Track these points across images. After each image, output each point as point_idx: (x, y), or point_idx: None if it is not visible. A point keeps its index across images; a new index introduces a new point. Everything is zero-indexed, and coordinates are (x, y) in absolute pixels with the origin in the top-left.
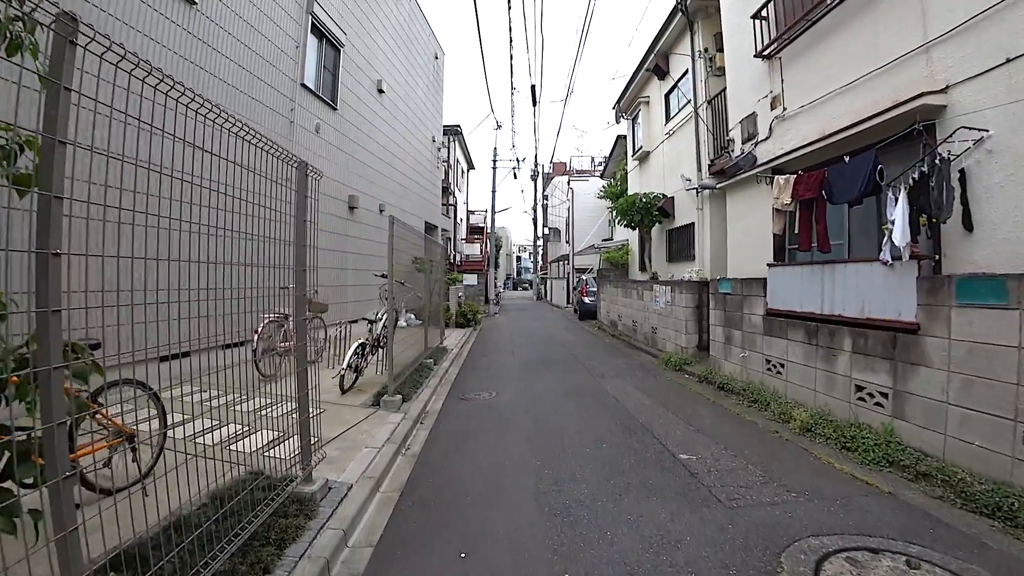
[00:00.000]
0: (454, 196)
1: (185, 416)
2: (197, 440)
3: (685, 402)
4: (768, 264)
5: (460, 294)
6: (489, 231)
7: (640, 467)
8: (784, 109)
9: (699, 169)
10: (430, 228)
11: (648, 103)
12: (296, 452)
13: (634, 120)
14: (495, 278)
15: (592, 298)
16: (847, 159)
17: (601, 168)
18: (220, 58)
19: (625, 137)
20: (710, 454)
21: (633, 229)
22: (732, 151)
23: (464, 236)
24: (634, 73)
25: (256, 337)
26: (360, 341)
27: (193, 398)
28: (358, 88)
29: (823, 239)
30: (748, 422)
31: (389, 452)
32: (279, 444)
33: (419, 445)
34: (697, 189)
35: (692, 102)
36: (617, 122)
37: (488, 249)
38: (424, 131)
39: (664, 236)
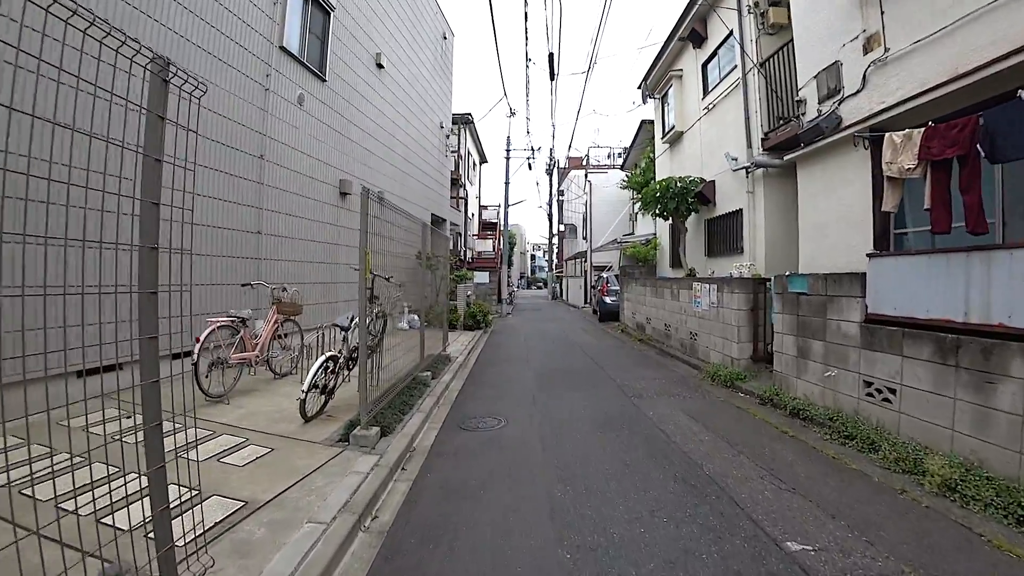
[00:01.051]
0: (465, 189)
1: None
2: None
3: (756, 437)
4: (868, 254)
5: (469, 293)
6: (502, 226)
7: (732, 572)
8: (886, 51)
9: (749, 145)
10: (437, 221)
11: (681, 77)
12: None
13: (663, 99)
14: (508, 276)
15: (614, 298)
16: None
17: (621, 159)
18: (170, 3)
19: (650, 122)
20: (831, 539)
21: (665, 219)
22: (802, 115)
23: (476, 232)
24: (665, 43)
25: (198, 347)
26: (330, 354)
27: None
28: (352, 60)
29: (975, 214)
30: (854, 472)
31: (342, 531)
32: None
33: (391, 512)
34: (747, 169)
35: (740, 67)
36: (644, 102)
37: (501, 246)
38: (431, 116)
39: (702, 227)
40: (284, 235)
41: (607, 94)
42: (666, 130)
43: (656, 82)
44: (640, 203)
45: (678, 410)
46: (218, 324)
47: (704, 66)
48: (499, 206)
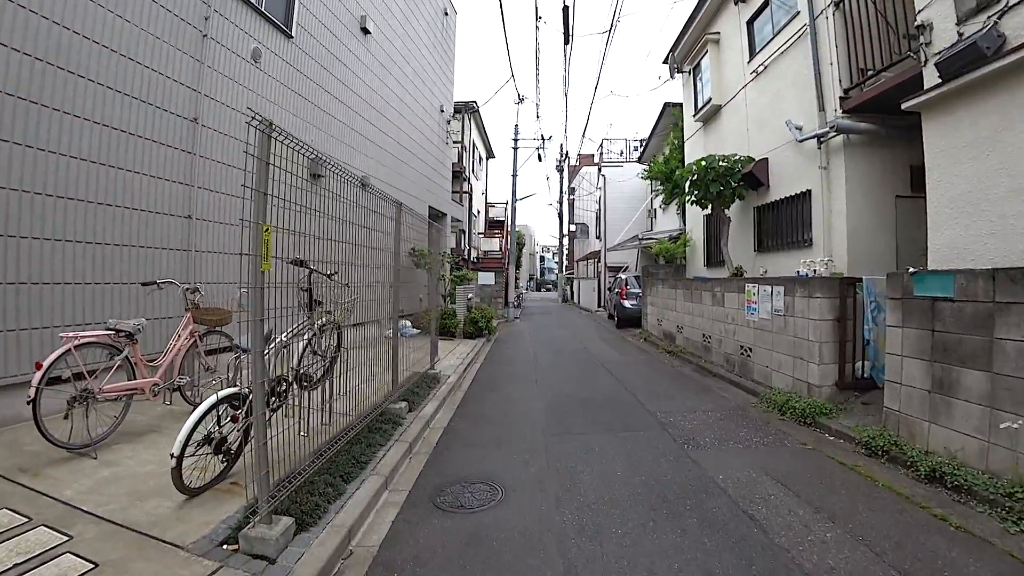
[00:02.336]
0: (469, 183)
1: None
2: None
3: (900, 527)
4: None
5: (471, 296)
6: (509, 223)
7: None
8: None
9: (821, 108)
10: (436, 216)
11: (718, 41)
12: None
13: (695, 71)
14: (516, 278)
15: (634, 302)
16: None
17: (637, 153)
18: None
19: (675, 104)
20: None
21: (703, 208)
22: (925, 45)
23: (482, 230)
24: (698, 4)
25: (39, 376)
26: (227, 391)
27: None
28: (329, 18)
29: None
30: None
31: None
32: None
33: None
34: (820, 138)
35: (807, 9)
36: (672, 76)
37: (508, 245)
38: (430, 98)
39: (751, 216)
40: (231, 222)
41: (626, 74)
42: (699, 106)
43: (687, 51)
44: (663, 195)
45: (758, 470)
46: (80, 342)
47: (750, 23)
48: (506, 204)
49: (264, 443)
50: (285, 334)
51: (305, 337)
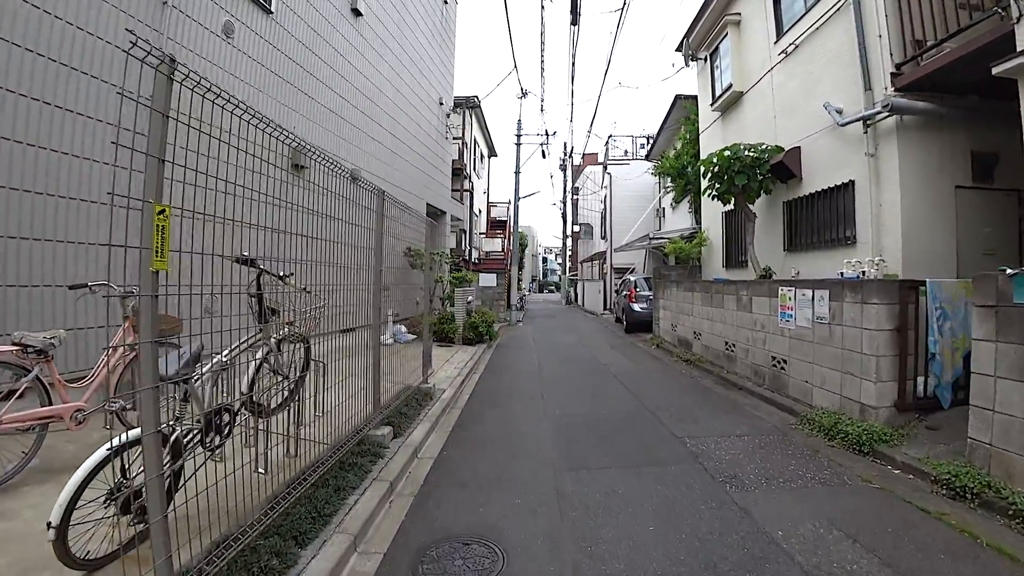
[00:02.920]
0: (470, 181)
1: None
2: None
3: None
4: None
5: (471, 299)
6: (512, 222)
7: None
8: None
9: (867, 88)
10: (435, 214)
11: (739, 23)
12: None
13: (712, 56)
14: (519, 279)
15: (644, 305)
16: None
17: (644, 151)
18: None
19: (687, 97)
20: None
21: (726, 203)
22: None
23: (484, 231)
24: None
25: None
26: (130, 435)
27: None
28: None
29: None
30: None
31: None
32: None
33: None
34: (867, 121)
35: None
36: (686, 64)
37: (510, 245)
38: (428, 89)
39: (780, 212)
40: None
41: (634, 66)
42: (717, 95)
43: (703, 36)
44: (674, 192)
45: (824, 522)
46: None
47: (777, 0)
48: (509, 203)
49: (163, 516)
50: (227, 352)
51: (259, 355)
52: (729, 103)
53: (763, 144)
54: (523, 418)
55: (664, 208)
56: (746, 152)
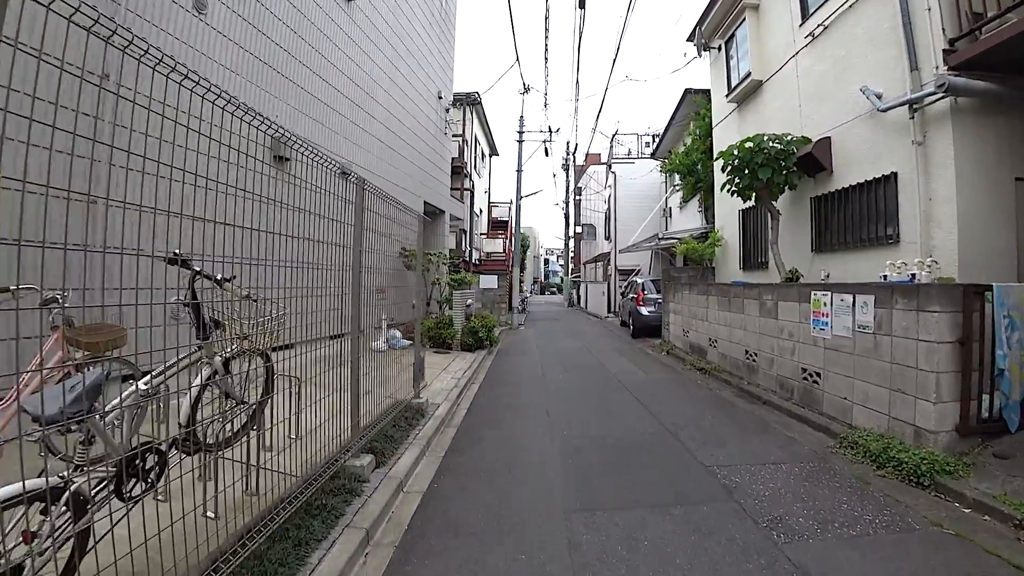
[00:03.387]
0: (471, 180)
1: None
2: None
3: None
4: None
5: (470, 302)
6: (513, 222)
7: None
8: None
9: (914, 67)
10: (433, 212)
11: (757, 7)
12: None
13: (727, 45)
14: (521, 280)
15: (652, 308)
16: None
17: (650, 149)
18: None
19: (697, 91)
20: None
21: (746, 199)
22: None
23: (484, 231)
24: None
25: None
26: (34, 482)
27: None
28: None
29: None
30: None
31: None
32: None
33: None
34: (913, 104)
35: None
36: (699, 55)
37: (512, 246)
38: (426, 82)
39: (807, 209)
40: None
41: (642, 59)
42: (733, 85)
43: (718, 23)
44: (683, 190)
45: None
46: None
47: None
48: (510, 203)
49: None
50: (152, 376)
51: (199, 377)
52: (747, 93)
53: (788, 135)
54: (527, 440)
55: (671, 208)
56: (770, 143)
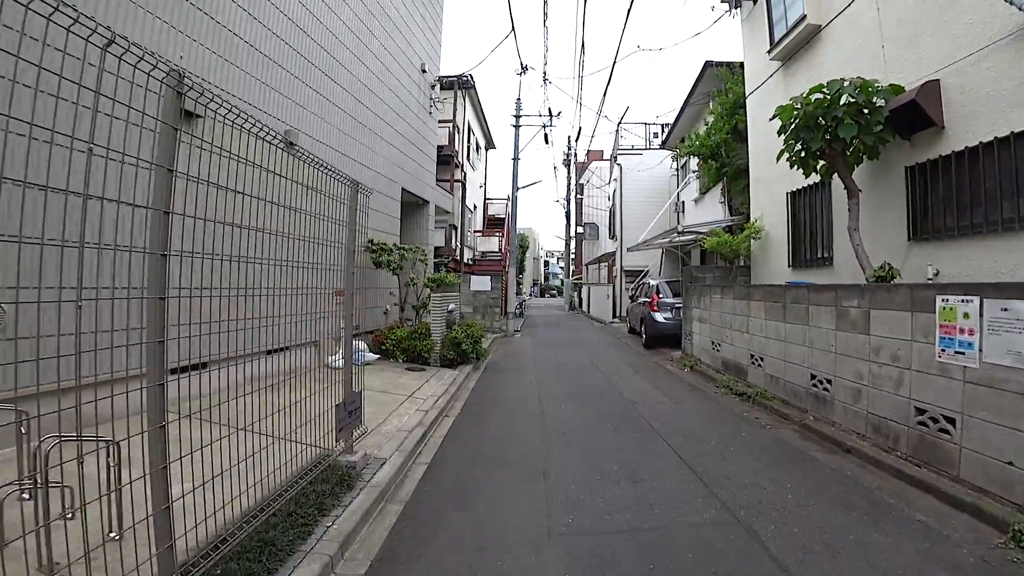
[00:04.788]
0: (462, 171)
1: None
2: None
3: None
4: None
5: (452, 306)
6: (510, 217)
7: None
8: None
9: None
10: (415, 203)
11: None
12: None
13: None
14: (518, 283)
15: (669, 314)
16: None
17: (659, 139)
18: None
19: (719, 64)
20: None
21: (810, 171)
22: None
23: (480, 228)
24: None
25: None
26: None
27: None
28: None
29: None
30: None
31: None
32: None
33: None
34: None
35: None
36: (732, 8)
37: (508, 244)
38: (406, 50)
39: (902, 182)
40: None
41: (655, 23)
42: (777, 39)
43: None
44: (704, 176)
45: None
46: None
47: None
48: (507, 198)
49: None
50: None
51: None
52: (797, 44)
53: (875, 82)
54: (511, 538)
55: (684, 202)
56: (853, 92)
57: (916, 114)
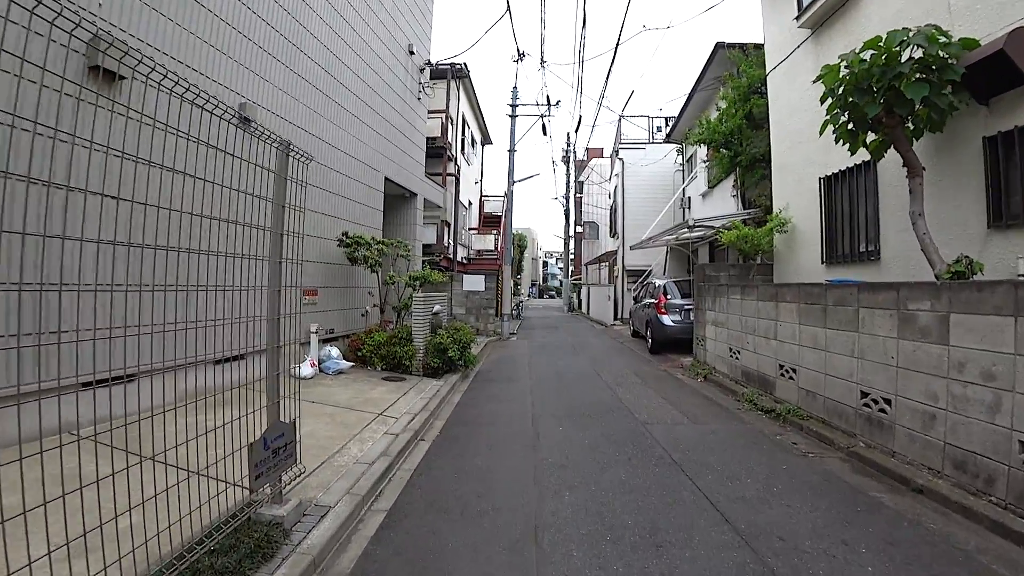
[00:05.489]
0: (456, 164)
1: None
2: None
3: None
4: None
5: (437, 308)
6: (507, 211)
7: None
8: None
9: None
10: (401, 195)
11: None
12: None
13: None
14: (517, 283)
15: (678, 317)
16: None
17: (663, 133)
18: None
19: (732, 46)
20: None
21: (858, 146)
22: None
23: (475, 226)
24: None
25: None
26: None
27: None
28: None
29: None
30: None
31: None
32: None
33: None
34: None
35: None
36: None
37: (504, 242)
38: (391, 28)
39: (979, 156)
40: None
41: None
42: (807, 2)
43: None
44: (715, 166)
45: None
46: None
47: None
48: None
49: None
50: None
51: None
52: (833, 6)
53: (949, 33)
54: None
55: (690, 198)
56: (923, 41)
57: (1000, 70)
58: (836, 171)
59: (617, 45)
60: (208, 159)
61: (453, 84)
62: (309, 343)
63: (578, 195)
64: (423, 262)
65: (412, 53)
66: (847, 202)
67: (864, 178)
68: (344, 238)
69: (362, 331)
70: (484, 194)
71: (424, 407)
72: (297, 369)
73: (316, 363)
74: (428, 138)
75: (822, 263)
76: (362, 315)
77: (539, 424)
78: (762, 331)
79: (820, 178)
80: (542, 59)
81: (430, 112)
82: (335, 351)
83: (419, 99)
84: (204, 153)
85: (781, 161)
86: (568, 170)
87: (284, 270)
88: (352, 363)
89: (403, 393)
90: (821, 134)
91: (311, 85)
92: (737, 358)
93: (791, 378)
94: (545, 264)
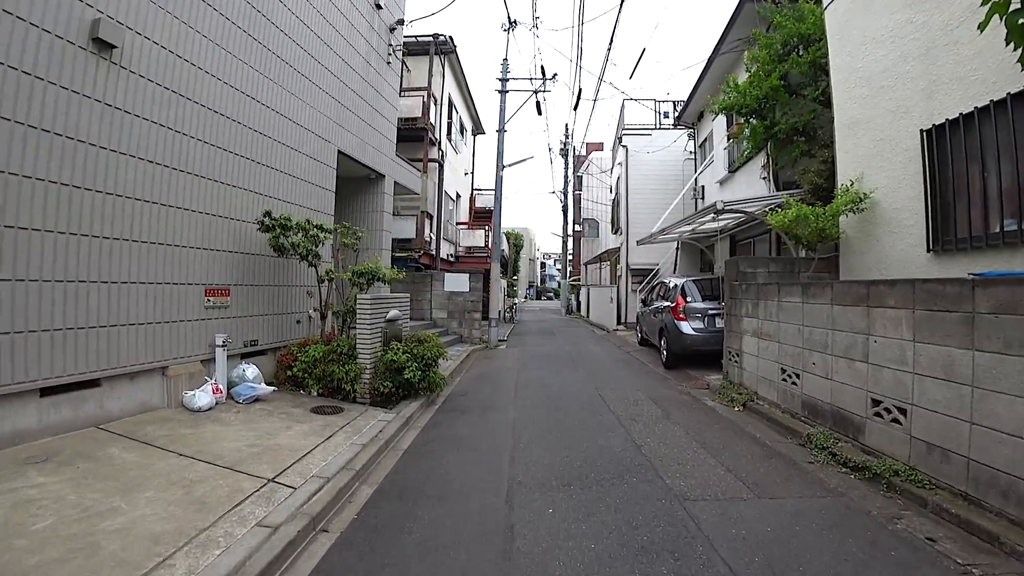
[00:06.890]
0: (440, 149)
1: None
2: None
3: None
4: None
5: (393, 314)
6: (497, 200)
7: None
8: None
9: None
10: (364, 179)
11: None
12: None
13: None
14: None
15: (700, 324)
16: None
17: (669, 119)
18: None
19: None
20: None
21: None
22: None
23: (465, 221)
24: None
25: None
26: None
27: None
28: None
29: None
30: None
31: None
32: None
33: None
34: None
35: None
36: None
37: (494, 236)
38: None
39: None
40: None
41: None
42: None
43: None
44: (747, 140)
45: None
46: None
47: None
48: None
49: None
50: None
51: None
52: None
53: None
54: None
55: (704, 187)
56: None
57: None
58: (954, 116)
59: (622, 1)
60: None
61: (437, 60)
62: (214, 359)
63: (576, 191)
64: (397, 259)
65: (380, 7)
66: (974, 160)
67: (1012, 119)
68: (265, 219)
69: (294, 344)
70: (476, 188)
71: (348, 463)
72: (190, 397)
73: (222, 388)
74: (408, 119)
75: (928, 250)
76: (297, 322)
77: (516, 500)
78: (840, 348)
79: (923, 131)
80: (535, 19)
81: (410, 89)
82: (252, 371)
83: (388, 63)
84: None
85: (851, 117)
86: (566, 163)
87: None
88: (275, 387)
89: (328, 436)
90: (981, 31)
91: (221, 15)
92: (794, 383)
93: (895, 421)
94: (543, 265)
